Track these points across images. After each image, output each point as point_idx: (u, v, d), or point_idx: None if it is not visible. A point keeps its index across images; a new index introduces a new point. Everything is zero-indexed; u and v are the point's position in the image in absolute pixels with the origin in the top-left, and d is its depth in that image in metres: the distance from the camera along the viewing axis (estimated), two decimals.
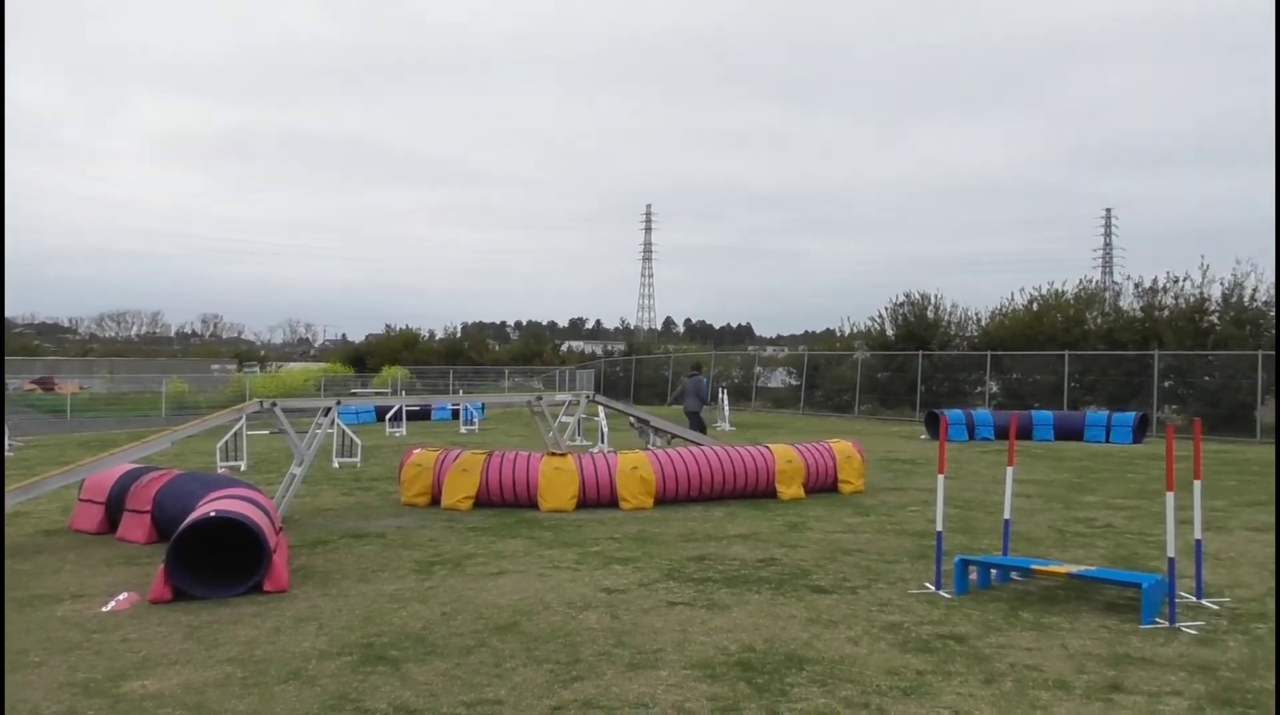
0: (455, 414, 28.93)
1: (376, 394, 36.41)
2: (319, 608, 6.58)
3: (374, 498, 12.24)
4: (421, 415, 29.62)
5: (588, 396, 13.78)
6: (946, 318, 33.25)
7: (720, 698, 4.71)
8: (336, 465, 15.98)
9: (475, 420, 26.34)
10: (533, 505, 10.87)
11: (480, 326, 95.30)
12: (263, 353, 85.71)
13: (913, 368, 31.21)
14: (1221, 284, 26.68)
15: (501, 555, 8.34)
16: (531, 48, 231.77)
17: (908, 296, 33.78)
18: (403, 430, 24.66)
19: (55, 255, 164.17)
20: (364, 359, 61.24)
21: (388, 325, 68.29)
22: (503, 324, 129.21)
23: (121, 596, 6.82)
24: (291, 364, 69.79)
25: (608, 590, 6.99)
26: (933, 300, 33.41)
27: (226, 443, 15.58)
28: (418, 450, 11.87)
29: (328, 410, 11.13)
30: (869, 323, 35.60)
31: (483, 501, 11.06)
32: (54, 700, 4.81)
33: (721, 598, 6.76)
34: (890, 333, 33.76)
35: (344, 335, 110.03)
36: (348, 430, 16.73)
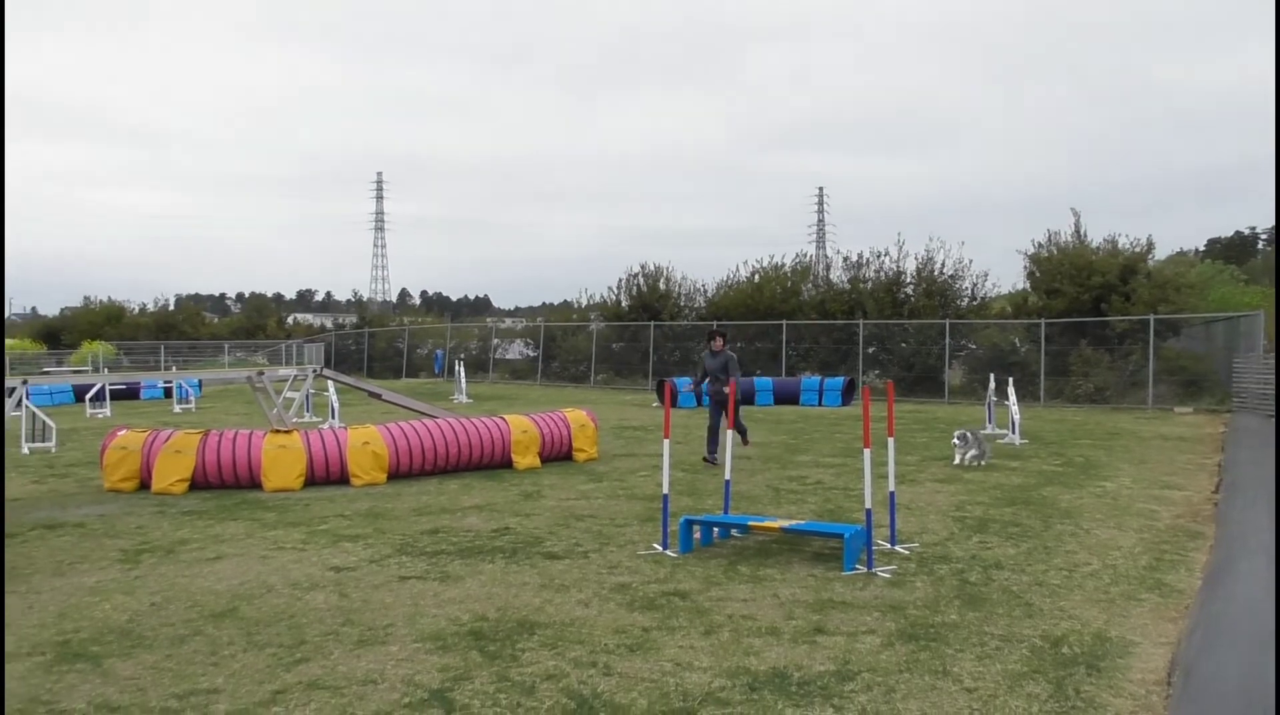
0: (168, 392, 26.84)
1: (74, 372, 33.01)
2: (5, 606, 5.93)
3: (71, 485, 11.15)
4: (129, 394, 27.24)
5: (315, 370, 13.22)
6: (677, 289, 34.61)
7: (451, 668, 4.72)
8: (27, 451, 14.40)
9: (191, 398, 24.53)
10: (256, 486, 10.32)
11: (196, 298, 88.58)
12: None
13: (645, 338, 32.31)
14: (916, 259, 29.56)
15: (220, 539, 7.87)
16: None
17: (642, 268, 34.86)
18: (107, 411, 22.56)
19: None
20: (59, 335, 55.28)
21: (86, 297, 61.86)
22: (222, 296, 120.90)
23: None
24: None
25: (336, 569, 6.79)
26: (665, 272, 34.68)
27: None
28: (123, 431, 10.91)
29: (13, 390, 9.98)
30: (605, 294, 36.43)
31: (199, 484, 10.36)
32: None
33: (455, 569, 6.75)
34: (624, 304, 34.71)
35: (34, 308, 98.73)
36: (39, 412, 15.11)
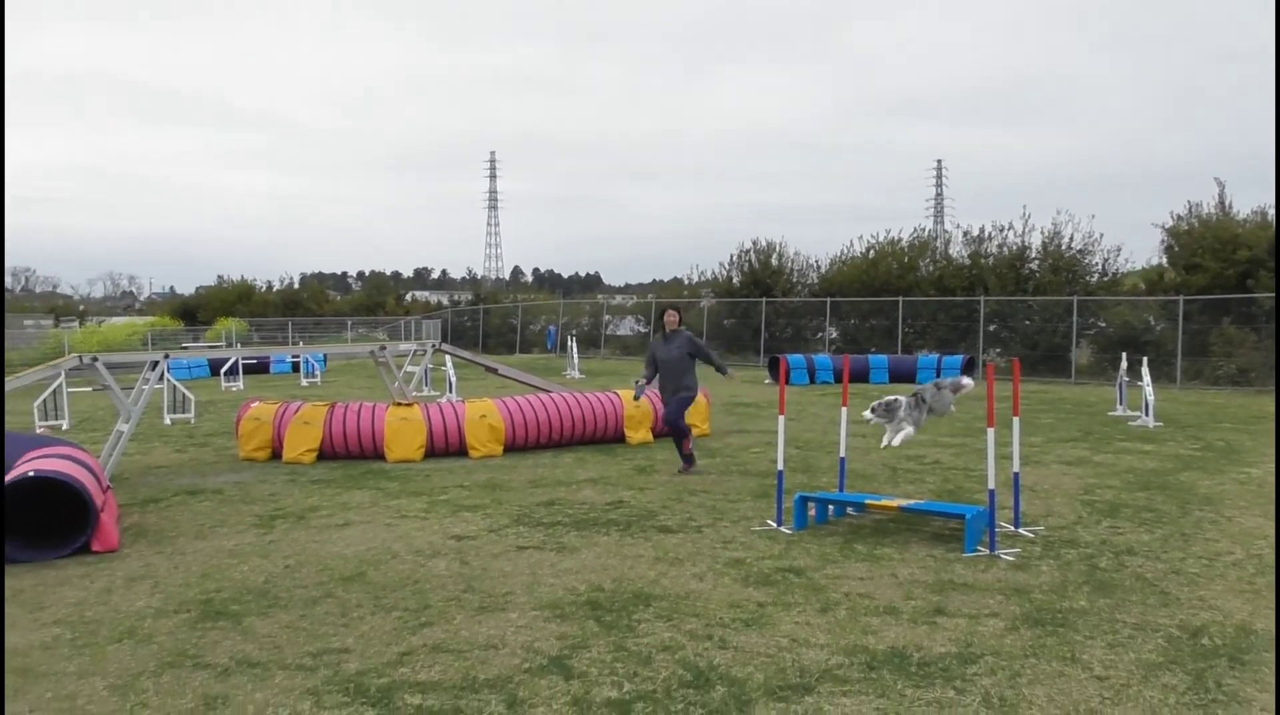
0: (295, 367, 27.98)
1: (210, 348, 34.73)
2: (153, 566, 6.30)
3: (210, 454, 11.75)
4: (259, 368, 28.51)
5: (434, 345, 13.56)
6: (790, 265, 34.21)
7: (569, 636, 4.80)
8: (169, 422, 15.23)
9: (317, 372, 25.53)
10: (379, 457, 10.67)
11: (320, 277, 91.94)
12: (82, 307, 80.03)
13: (757, 314, 32.07)
14: (1042, 233, 28.45)
15: (347, 507, 8.18)
16: None
17: (754, 244, 34.56)
18: (240, 384, 23.68)
19: None
20: (195, 312, 58.19)
21: (220, 276, 64.99)
22: (343, 275, 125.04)
23: None
24: (115, 318, 65.59)
25: (457, 537, 6.97)
26: (777, 248, 34.30)
27: (45, 401, 14.63)
28: (256, 403, 11.43)
29: (155, 364, 10.55)
30: (716, 271, 36.29)
31: (326, 455, 10.77)
32: None
33: (571, 541, 6.84)
34: (736, 280, 34.51)
35: (172, 288, 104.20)
36: (179, 385, 15.95)
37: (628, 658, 4.49)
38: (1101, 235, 28.12)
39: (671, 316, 10.06)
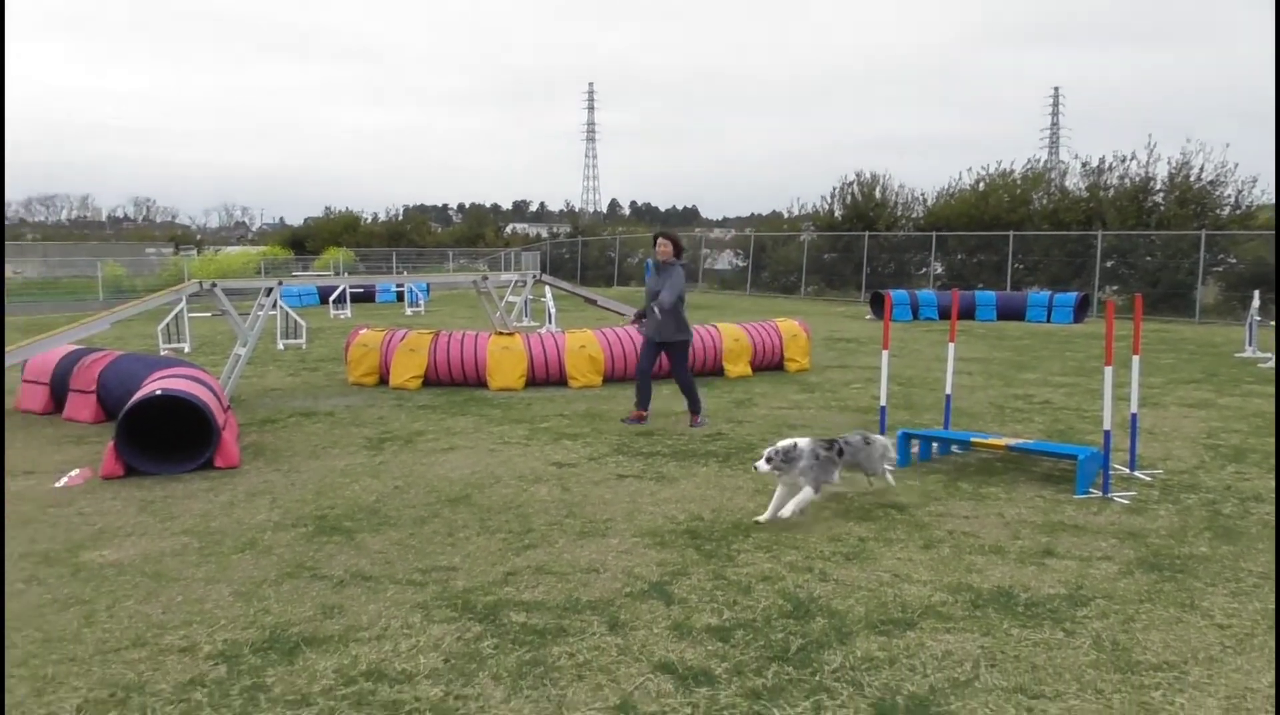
0: (400, 296, 28.61)
1: (318, 276, 35.77)
2: (271, 482, 6.58)
3: (321, 378, 12.16)
4: (366, 297, 29.25)
5: (534, 276, 13.67)
6: (894, 199, 33.32)
7: (669, 563, 4.84)
8: (281, 347, 15.80)
9: (420, 301, 26.08)
10: (481, 384, 10.88)
11: (422, 209, 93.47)
12: (199, 236, 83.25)
13: (859, 249, 31.41)
14: (1169, 163, 26.95)
15: (452, 432, 8.37)
16: None
17: (857, 176, 33.73)
18: (347, 312, 24.37)
19: None
20: (304, 242, 59.93)
21: (327, 208, 66.73)
22: (444, 207, 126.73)
23: (74, 473, 6.76)
24: (229, 247, 68.08)
25: (558, 464, 7.08)
26: (881, 181, 33.41)
27: (168, 325, 15.33)
28: (364, 330, 11.74)
29: (269, 291, 10.91)
30: (817, 203, 35.60)
31: (431, 381, 11.03)
32: (15, 569, 4.80)
33: (670, 471, 6.88)
34: (837, 213, 33.80)
35: (282, 218, 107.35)
36: (291, 312, 16.50)
37: (727, 586, 4.51)
38: (1236, 165, 26.31)
39: (663, 246, 8.49)
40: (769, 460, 5.57)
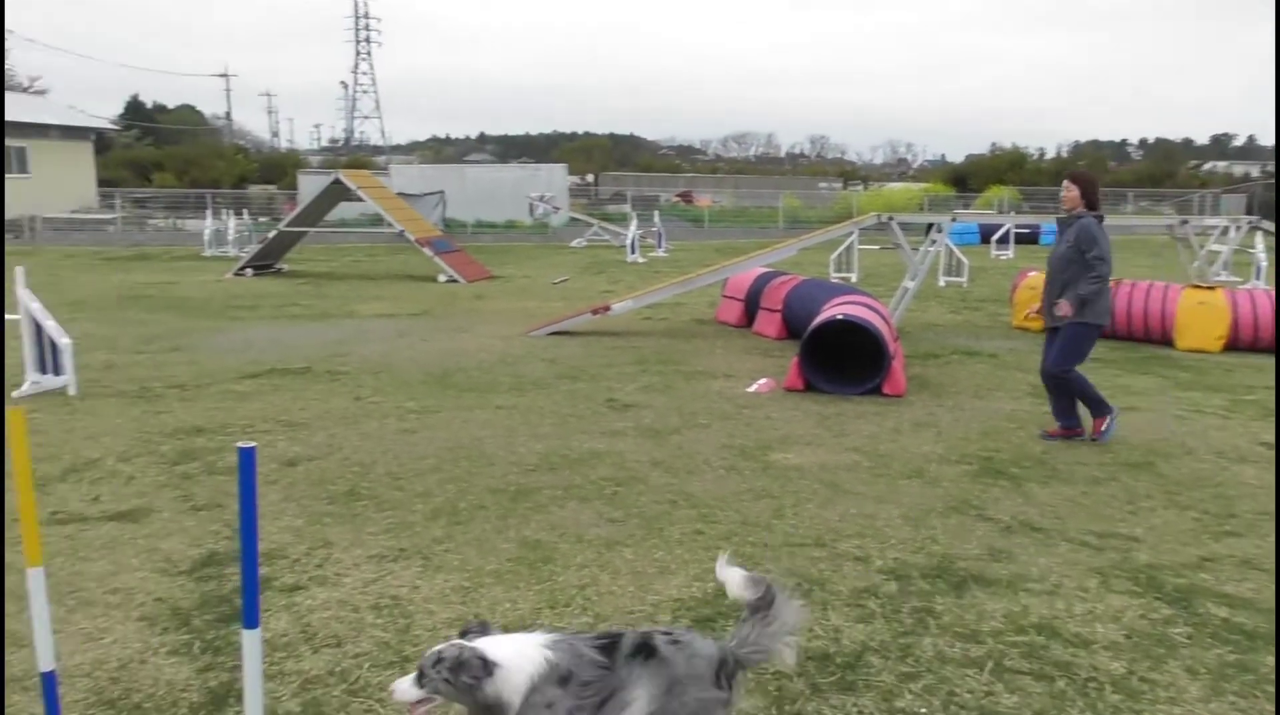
0: None
1: (980, 215, 35.23)
2: (935, 416, 6.66)
3: (982, 318, 11.98)
4: (1030, 238, 28.07)
5: (1250, 222, 11.72)
6: None
7: None
8: (943, 284, 15.92)
9: None
10: (1166, 342, 9.74)
11: (1096, 144, 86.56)
12: (863, 173, 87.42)
13: None
14: None
15: (1129, 391, 7.64)
16: None
17: None
18: (1010, 253, 23.66)
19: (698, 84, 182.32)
20: (965, 179, 59.41)
21: (993, 144, 65.14)
22: (1122, 142, 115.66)
23: (762, 381, 7.59)
24: (891, 183, 70.41)
25: (1268, 445, 6.04)
26: None
27: (839, 255, 16.37)
28: (1031, 273, 11.22)
29: (938, 227, 10.94)
30: None
31: (1104, 334, 10.14)
32: (719, 456, 5.58)
33: None
34: None
35: (943, 155, 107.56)
36: (955, 249, 16.48)
37: None
38: None
39: (1068, 191, 6.07)
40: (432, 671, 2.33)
